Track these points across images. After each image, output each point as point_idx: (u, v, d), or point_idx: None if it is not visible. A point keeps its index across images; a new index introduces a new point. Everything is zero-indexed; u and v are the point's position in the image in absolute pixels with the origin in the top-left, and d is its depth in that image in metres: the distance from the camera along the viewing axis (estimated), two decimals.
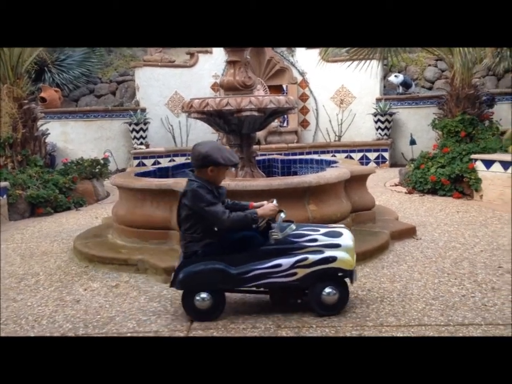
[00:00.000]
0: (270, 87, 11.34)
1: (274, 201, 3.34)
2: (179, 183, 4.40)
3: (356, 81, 10.50)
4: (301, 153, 10.38)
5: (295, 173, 6.12)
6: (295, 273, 3.15)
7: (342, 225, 3.68)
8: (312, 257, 3.16)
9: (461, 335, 2.82)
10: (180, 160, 10.81)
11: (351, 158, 10.47)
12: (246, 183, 4.37)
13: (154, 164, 10.66)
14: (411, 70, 11.78)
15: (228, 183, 4.35)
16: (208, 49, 11.62)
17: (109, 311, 3.39)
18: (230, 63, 5.09)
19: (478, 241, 4.62)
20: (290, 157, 6.68)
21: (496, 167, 6.22)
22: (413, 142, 10.08)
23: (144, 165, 10.65)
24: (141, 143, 10.91)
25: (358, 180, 4.99)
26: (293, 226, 3.26)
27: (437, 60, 11.23)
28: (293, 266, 3.13)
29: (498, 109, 9.21)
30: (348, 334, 2.90)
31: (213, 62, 11.53)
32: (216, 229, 3.17)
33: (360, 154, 10.57)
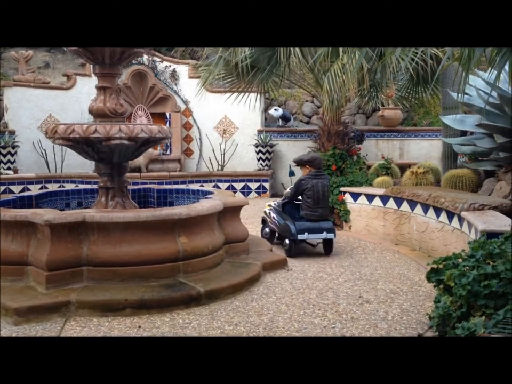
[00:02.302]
0: (153, 114, 11.14)
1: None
2: (38, 214, 4.06)
3: (239, 112, 10.72)
4: (183, 182, 10.27)
5: (171, 203, 5.99)
6: None
7: None
8: None
9: None
10: (53, 187, 10.14)
11: (233, 187, 10.58)
12: (112, 214, 4.15)
13: (23, 190, 9.86)
14: (290, 104, 12.34)
15: (93, 214, 4.13)
16: (87, 72, 11.16)
17: None
18: (100, 88, 4.88)
19: (343, 271, 4.83)
20: (167, 187, 6.53)
21: (362, 199, 6.64)
22: (291, 173, 10.39)
23: (11, 191, 9.80)
24: (8, 168, 10.05)
25: (231, 212, 4.99)
26: None
27: (313, 97, 11.89)
28: None
29: (367, 144, 9.94)
30: None
31: (92, 86, 10.97)
32: None
33: (242, 184, 10.72)
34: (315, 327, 3.46)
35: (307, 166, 5.68)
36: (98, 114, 4.90)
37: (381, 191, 6.30)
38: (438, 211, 5.15)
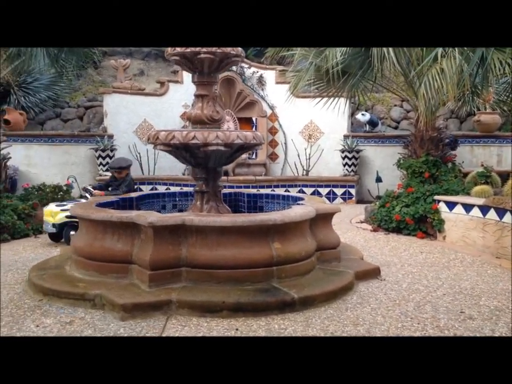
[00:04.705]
0: (240, 119, 11.40)
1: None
2: (142, 216, 4.29)
3: (325, 117, 10.66)
4: (269, 186, 10.40)
5: (261, 208, 6.08)
6: None
7: None
8: None
9: None
10: (146, 188, 10.68)
11: (318, 193, 10.54)
12: (210, 218, 4.28)
13: None
14: (378, 109, 12.07)
15: (192, 218, 4.28)
16: (179, 79, 11.65)
17: None
18: (198, 96, 5.06)
19: (441, 284, 4.64)
20: (257, 192, 6.64)
21: (459, 209, 6.34)
22: (378, 180, 10.24)
23: None
24: (107, 170, 10.70)
25: (323, 218, 4.96)
26: None
27: (402, 101, 11.56)
28: None
29: (460, 151, 9.50)
30: None
31: (183, 92, 11.55)
32: None
33: (327, 190, 10.66)
34: None
35: (125, 170, 6.85)
36: (196, 121, 5.08)
37: (480, 201, 5.97)
38: None
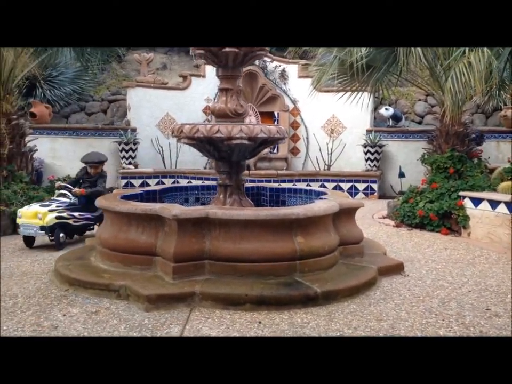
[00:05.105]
0: (261, 113, 11.39)
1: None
2: (166, 208, 4.33)
3: (347, 112, 10.57)
4: (290, 181, 10.38)
5: (283, 203, 6.07)
6: None
7: None
8: None
9: None
10: (168, 182, 10.77)
11: (340, 187, 10.48)
12: (233, 212, 4.30)
13: (142, 184, 10.60)
14: (401, 103, 11.92)
15: (215, 211, 4.30)
16: (201, 72, 11.69)
17: None
18: (222, 90, 5.06)
19: (466, 280, 4.58)
20: (279, 186, 6.63)
21: (485, 205, 6.23)
22: (401, 175, 10.13)
23: (132, 184, 10.59)
24: (130, 163, 10.84)
25: (346, 213, 4.94)
26: None
27: (426, 95, 11.39)
28: None
29: (486, 146, 9.32)
30: None
31: (206, 86, 11.59)
32: None
33: (349, 185, 10.59)
34: None
35: (102, 165, 6.52)
36: (219, 114, 5.09)
37: (507, 197, 5.87)
38: None
